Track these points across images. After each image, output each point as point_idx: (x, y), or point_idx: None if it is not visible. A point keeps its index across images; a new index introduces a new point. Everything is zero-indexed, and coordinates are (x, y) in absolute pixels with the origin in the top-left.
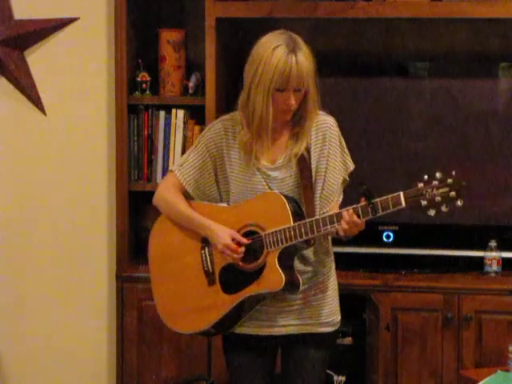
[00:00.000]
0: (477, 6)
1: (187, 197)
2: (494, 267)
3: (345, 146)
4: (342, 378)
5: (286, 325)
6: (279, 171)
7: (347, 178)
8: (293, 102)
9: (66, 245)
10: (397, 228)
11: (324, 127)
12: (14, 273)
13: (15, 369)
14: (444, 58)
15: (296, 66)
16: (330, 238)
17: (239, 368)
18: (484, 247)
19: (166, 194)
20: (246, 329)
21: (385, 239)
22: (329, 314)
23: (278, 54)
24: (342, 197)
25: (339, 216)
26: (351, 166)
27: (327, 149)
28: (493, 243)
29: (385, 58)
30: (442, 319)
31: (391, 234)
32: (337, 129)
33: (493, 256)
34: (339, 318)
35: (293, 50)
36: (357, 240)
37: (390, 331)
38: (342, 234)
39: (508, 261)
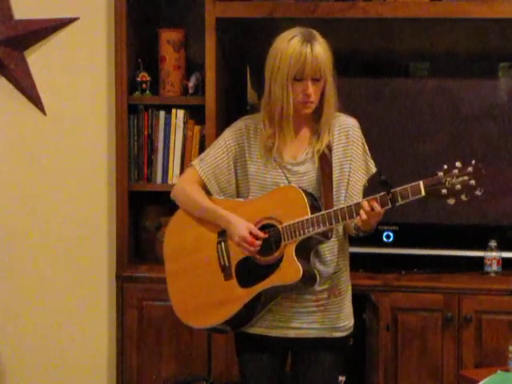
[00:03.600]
0: (477, 5)
1: (205, 192)
2: (494, 267)
3: (367, 149)
4: (342, 378)
5: (299, 327)
6: (303, 165)
7: (366, 184)
8: (310, 91)
9: (66, 245)
10: (397, 228)
11: (346, 127)
12: (14, 273)
13: (15, 369)
14: (444, 58)
15: (311, 53)
16: (347, 239)
17: (250, 368)
18: (484, 247)
19: (186, 186)
20: (259, 329)
21: (385, 239)
22: (342, 318)
23: (293, 43)
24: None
25: (358, 206)
26: (372, 169)
27: (350, 150)
28: (493, 243)
29: (385, 58)
30: (442, 319)
31: (391, 234)
32: (359, 130)
33: (493, 256)
34: (352, 322)
35: (308, 40)
36: (357, 240)
37: (390, 331)
38: (360, 224)
39: (508, 261)
